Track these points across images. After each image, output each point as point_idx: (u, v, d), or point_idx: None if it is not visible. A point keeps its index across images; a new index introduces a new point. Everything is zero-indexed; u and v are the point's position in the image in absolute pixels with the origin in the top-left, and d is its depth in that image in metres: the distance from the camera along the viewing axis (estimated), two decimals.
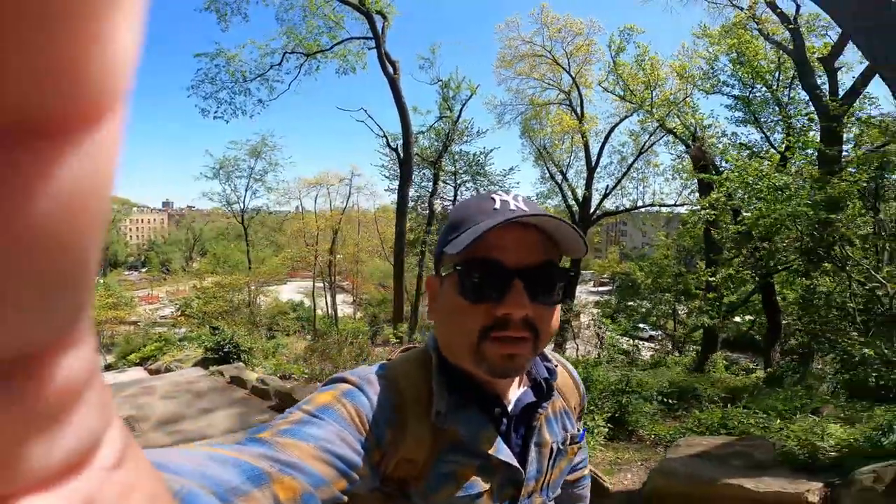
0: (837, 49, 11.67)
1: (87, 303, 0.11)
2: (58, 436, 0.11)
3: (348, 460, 0.52)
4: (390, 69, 11.48)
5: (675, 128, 16.31)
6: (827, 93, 11.74)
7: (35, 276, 0.10)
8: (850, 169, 6.96)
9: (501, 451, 0.64)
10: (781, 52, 13.94)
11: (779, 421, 4.08)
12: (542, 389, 0.71)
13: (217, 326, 9.21)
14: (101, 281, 30.88)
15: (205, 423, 4.88)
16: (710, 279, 10.02)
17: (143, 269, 51.17)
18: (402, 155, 12.19)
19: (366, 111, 13.66)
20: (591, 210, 20.07)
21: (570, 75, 19.95)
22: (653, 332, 19.19)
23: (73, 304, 0.11)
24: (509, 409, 0.68)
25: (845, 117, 10.07)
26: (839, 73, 13.05)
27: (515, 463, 0.65)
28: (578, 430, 0.79)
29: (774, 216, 6.33)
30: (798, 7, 12.88)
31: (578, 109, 20.29)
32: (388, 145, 13.95)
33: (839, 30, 11.22)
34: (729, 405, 5.29)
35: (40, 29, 0.08)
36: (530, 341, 0.60)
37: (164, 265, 47.95)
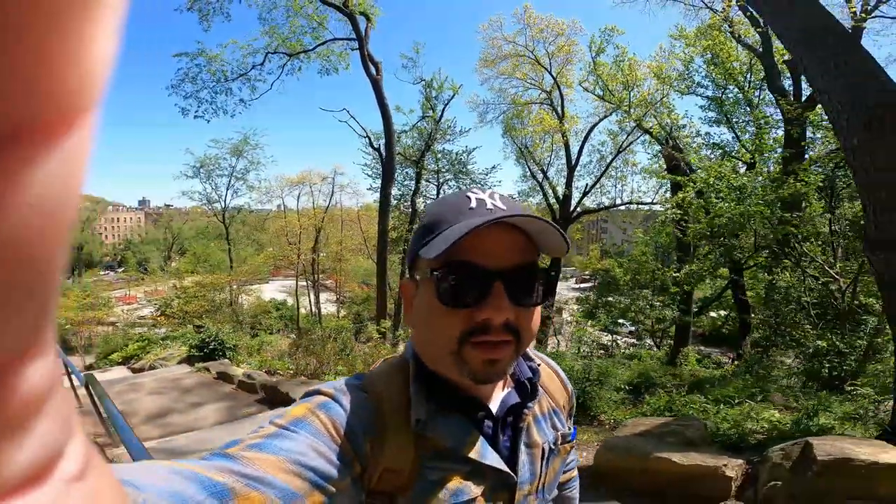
0: (769, 63, 12.30)
1: (51, 313, 0.11)
2: (19, 447, 0.11)
3: (323, 473, 0.50)
4: (373, 70, 11.69)
5: (651, 128, 16.88)
6: (791, 95, 12.39)
7: (1, 285, 0.10)
8: (805, 169, 7.48)
9: (487, 456, 0.62)
10: (753, 54, 14.53)
11: (721, 406, 4.51)
12: (527, 390, 0.69)
13: (201, 325, 9.33)
14: (77, 282, 30.25)
15: (193, 417, 5.08)
16: (674, 275, 10.55)
17: (120, 270, 50.12)
18: (384, 154, 12.40)
19: (348, 111, 13.84)
20: (571, 208, 20.58)
21: (552, 75, 20.36)
22: (633, 328, 19.83)
23: (38, 314, 0.11)
24: (494, 411, 0.66)
25: (809, 120, 10.68)
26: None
27: (504, 467, 0.63)
28: (569, 429, 0.78)
29: (728, 215, 6.79)
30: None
31: (559, 109, 20.71)
32: (371, 145, 14.15)
33: None
34: (685, 393, 5.74)
35: (14, 37, 0.09)
36: (512, 344, 0.58)
37: (142, 265, 47.07)
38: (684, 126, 16.97)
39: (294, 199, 26.09)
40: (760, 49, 13.75)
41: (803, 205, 7.35)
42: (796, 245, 7.19)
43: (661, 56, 17.84)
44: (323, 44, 13.24)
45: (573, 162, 20.52)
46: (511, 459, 0.65)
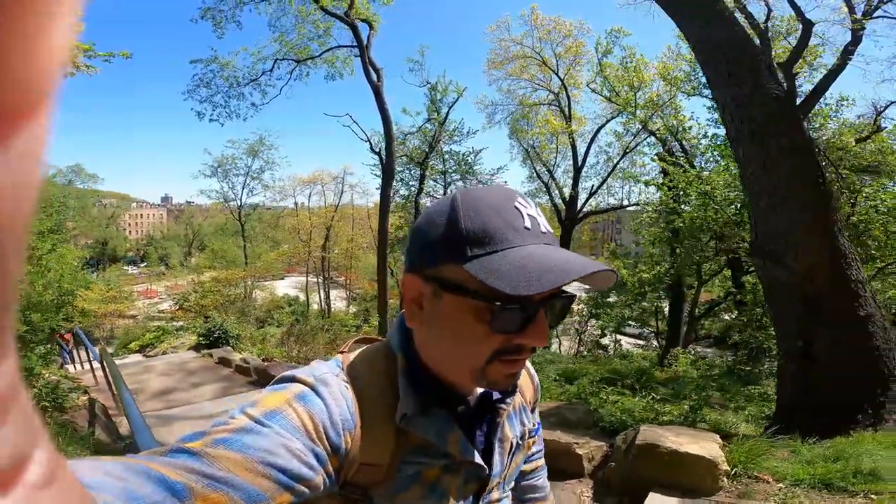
0: (795, 55, 12.51)
1: (9, 316, 0.11)
2: None
3: (294, 473, 0.48)
4: (374, 77, 12.35)
5: (657, 129, 17.09)
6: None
7: None
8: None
9: (467, 451, 0.64)
10: None
11: (620, 397, 5.02)
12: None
13: (209, 316, 10.19)
14: (101, 276, 31.93)
15: (192, 394, 5.84)
16: (642, 276, 10.92)
17: (143, 265, 52.35)
18: (384, 158, 13.08)
19: (351, 117, 14.51)
20: (578, 209, 20.89)
21: (559, 77, 20.65)
22: (641, 330, 20.02)
23: None
24: (472, 406, 0.67)
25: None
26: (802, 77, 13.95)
27: (481, 461, 0.65)
28: (534, 424, 0.80)
29: (688, 217, 7.21)
30: (769, 11, 13.65)
31: (567, 110, 20.98)
32: (372, 149, 14.85)
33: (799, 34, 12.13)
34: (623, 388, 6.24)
35: None
36: (528, 357, 0.60)
37: (163, 260, 49.09)
38: (690, 127, 17.12)
39: (307, 198, 27.11)
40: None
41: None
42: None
43: (668, 57, 18.01)
44: (328, 50, 14.00)
45: (580, 163, 20.80)
46: (486, 453, 0.67)
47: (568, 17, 20.63)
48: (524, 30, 20.84)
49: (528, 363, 0.77)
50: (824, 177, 3.99)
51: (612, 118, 20.61)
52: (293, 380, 0.57)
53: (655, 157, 13.98)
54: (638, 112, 17.06)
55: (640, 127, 17.60)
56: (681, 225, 7.31)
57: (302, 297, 26.64)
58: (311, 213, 26.02)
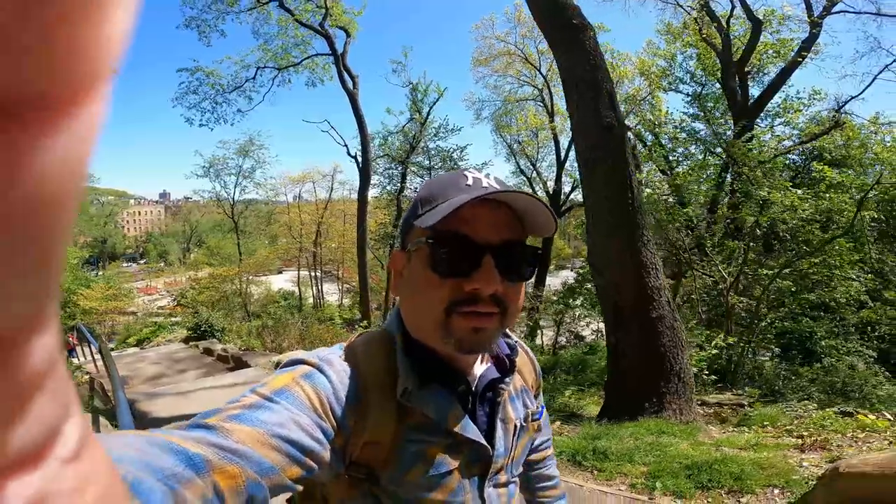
0: (746, 54, 13.31)
1: (54, 289, 0.11)
2: (17, 426, 0.11)
3: (303, 446, 0.51)
4: (349, 84, 13.34)
5: (638, 123, 17.85)
6: (740, 95, 13.46)
7: (6, 258, 0.10)
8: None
9: (469, 429, 0.66)
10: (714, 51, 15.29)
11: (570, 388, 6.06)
12: (505, 365, 0.73)
13: (197, 311, 11.35)
14: (101, 274, 33.29)
15: (177, 379, 6.98)
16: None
17: (142, 261, 53.81)
18: (360, 163, 14.11)
19: (329, 122, 15.52)
20: (561, 202, 21.81)
21: (541, 73, 21.41)
22: None
23: (42, 290, 0.11)
24: (473, 385, 0.69)
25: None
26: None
27: (483, 440, 0.67)
28: (537, 408, 0.82)
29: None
30: (732, 9, 14.34)
31: (549, 106, 21.74)
32: (349, 153, 15.86)
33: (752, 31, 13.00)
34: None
35: (36, 6, 0.09)
36: (497, 316, 0.61)
37: (162, 257, 50.49)
38: (668, 122, 17.84)
39: (299, 195, 28.22)
40: (721, 48, 14.66)
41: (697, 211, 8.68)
42: (707, 250, 8.56)
43: (649, 52, 18.71)
44: (307, 58, 14.99)
45: (563, 157, 21.67)
46: (488, 433, 0.69)
47: None
48: (508, 27, 21.57)
49: (528, 349, 0.84)
50: (635, 199, 4.79)
51: None
52: (300, 362, 0.61)
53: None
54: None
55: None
56: None
57: (302, 292, 27.88)
58: (300, 209, 27.15)
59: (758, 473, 2.98)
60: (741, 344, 6.72)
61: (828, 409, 4.24)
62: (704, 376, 7.36)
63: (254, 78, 15.05)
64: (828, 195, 7.45)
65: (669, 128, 17.65)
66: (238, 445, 0.46)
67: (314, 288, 26.82)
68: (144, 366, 7.84)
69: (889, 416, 3.72)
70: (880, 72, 14.65)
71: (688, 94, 18.68)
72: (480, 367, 0.72)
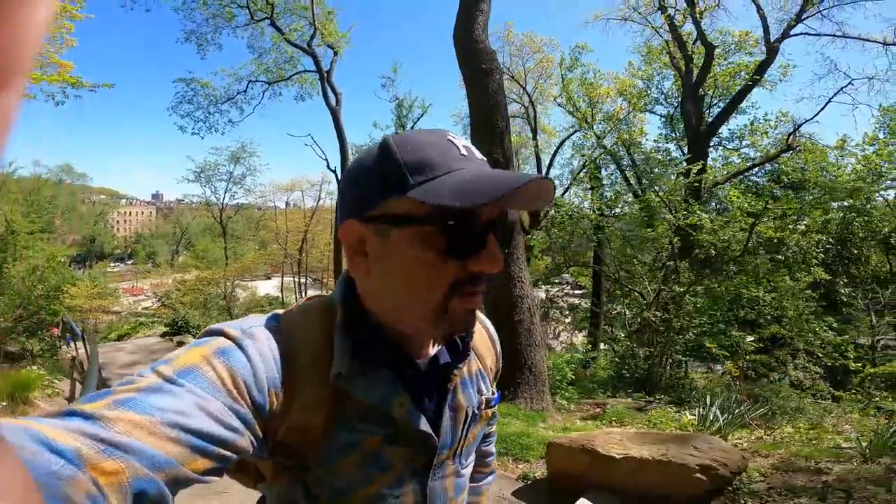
0: (700, 78, 14.24)
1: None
2: None
3: (210, 435, 0.45)
4: (332, 101, 14.37)
5: (614, 143, 18.79)
6: (694, 119, 14.47)
7: None
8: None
9: (413, 417, 0.61)
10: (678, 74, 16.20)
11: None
12: (458, 348, 0.69)
13: (176, 309, 12.22)
14: (87, 272, 33.93)
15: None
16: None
17: (130, 262, 54.41)
18: (339, 176, 15.13)
19: (312, 137, 16.48)
20: (540, 219, 22.78)
21: (527, 92, 22.46)
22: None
23: None
24: (422, 369, 0.65)
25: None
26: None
27: (429, 430, 0.63)
28: (493, 394, 0.76)
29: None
30: (699, 34, 15.17)
31: (532, 123, 22.71)
32: (328, 167, 16.86)
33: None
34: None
35: None
36: (481, 294, 0.58)
37: (151, 258, 51.13)
38: (642, 143, 18.77)
39: (289, 202, 29.23)
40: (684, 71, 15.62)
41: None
42: (636, 273, 9.56)
43: (629, 72, 19.57)
44: (297, 74, 16.08)
45: (545, 174, 22.64)
46: (435, 422, 0.65)
47: (540, 33, 22.29)
48: (497, 45, 22.71)
49: (490, 326, 0.82)
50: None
51: (575, 132, 22.11)
52: (218, 333, 0.55)
53: (586, 176, 15.85)
54: (595, 126, 18.78)
55: (595, 141, 19.11)
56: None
57: (286, 296, 28.68)
58: (287, 216, 28.15)
59: (539, 447, 3.90)
60: (654, 354, 7.62)
61: (669, 409, 5.18)
62: (620, 379, 8.14)
63: (245, 91, 16.12)
64: (729, 220, 8.43)
65: (645, 148, 18.65)
66: (121, 437, 0.40)
67: (297, 294, 27.66)
68: (121, 355, 8.70)
69: (692, 416, 4.53)
70: (835, 94, 15.09)
71: (661, 116, 19.72)
72: (431, 350, 0.67)
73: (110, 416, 0.41)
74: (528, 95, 21.95)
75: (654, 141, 18.74)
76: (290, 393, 0.56)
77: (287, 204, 30.11)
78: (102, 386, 5.34)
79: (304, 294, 27.66)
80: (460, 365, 0.68)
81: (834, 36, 14.59)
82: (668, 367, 7.80)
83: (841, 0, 13.94)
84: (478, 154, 0.60)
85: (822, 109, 15.11)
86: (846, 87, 14.88)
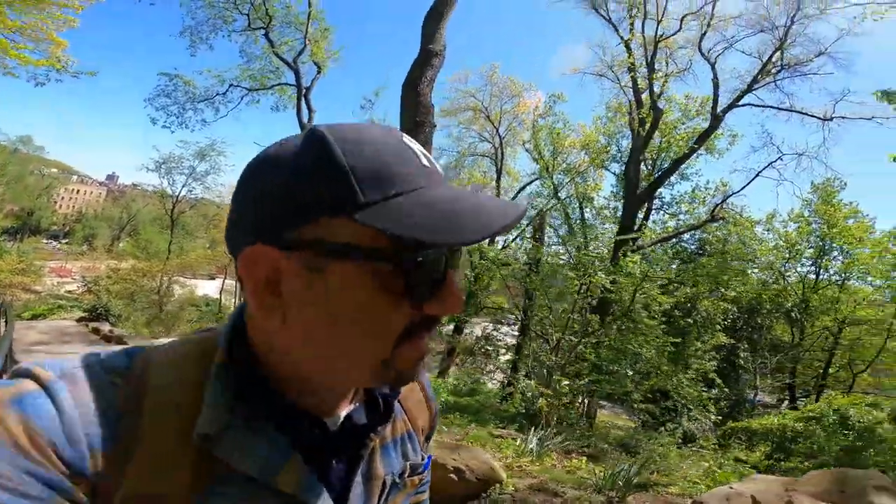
0: (644, 142, 15.02)
1: None
2: None
3: None
4: (305, 117, 14.94)
5: (570, 194, 19.71)
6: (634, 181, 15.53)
7: None
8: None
9: (308, 490, 0.48)
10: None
11: None
12: (379, 408, 0.57)
13: (99, 295, 12.14)
14: (17, 246, 32.22)
15: (58, 348, 7.87)
16: None
17: (65, 241, 51.79)
18: None
19: None
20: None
21: (499, 133, 23.23)
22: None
23: None
24: (331, 430, 0.53)
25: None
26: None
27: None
28: (423, 458, 0.64)
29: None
30: (650, 98, 15.24)
31: (498, 164, 23.48)
32: None
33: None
34: None
35: None
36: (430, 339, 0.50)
37: (88, 240, 48.91)
38: (595, 199, 19.82)
39: None
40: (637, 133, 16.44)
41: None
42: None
43: (595, 127, 19.44)
44: (278, 84, 16.72)
45: None
46: (342, 495, 0.53)
47: (523, 78, 22.54)
48: (480, 83, 23.47)
49: (426, 380, 0.70)
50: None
51: (535, 179, 21.70)
52: (26, 374, 0.43)
53: (534, 223, 16.74)
54: (555, 177, 19.62)
55: (551, 192, 18.97)
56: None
57: (225, 299, 28.11)
58: None
59: None
60: (548, 394, 8.45)
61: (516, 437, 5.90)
62: (525, 415, 8.70)
63: (225, 93, 16.59)
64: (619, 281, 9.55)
65: (597, 204, 19.75)
66: None
67: (236, 299, 27.26)
68: (32, 333, 8.60)
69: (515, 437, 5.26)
70: (763, 168, 15.20)
71: (615, 174, 20.86)
72: (347, 407, 0.54)
73: None
74: (500, 137, 22.51)
75: (605, 198, 19.99)
76: (125, 452, 0.43)
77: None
78: (11, 363, 5.48)
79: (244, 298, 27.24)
80: (380, 428, 0.55)
81: (778, 108, 14.90)
82: (560, 408, 8.61)
83: (793, 72, 14.44)
84: (438, 167, 0.49)
85: (749, 182, 15.64)
86: (775, 161, 15.16)
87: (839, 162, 28.03)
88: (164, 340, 0.62)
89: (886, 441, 7.27)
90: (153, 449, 0.44)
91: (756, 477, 4.04)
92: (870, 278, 15.82)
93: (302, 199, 0.43)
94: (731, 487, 3.45)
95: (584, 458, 5.32)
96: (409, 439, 0.64)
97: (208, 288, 31.39)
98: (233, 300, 27.55)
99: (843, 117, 14.04)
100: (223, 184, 27.70)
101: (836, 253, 16.29)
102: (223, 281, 27.28)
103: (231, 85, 16.78)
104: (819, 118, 14.35)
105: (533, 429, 5.51)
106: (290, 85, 16.53)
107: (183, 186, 26.16)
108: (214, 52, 16.60)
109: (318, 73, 16.20)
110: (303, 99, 15.29)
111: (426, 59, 6.91)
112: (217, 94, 16.83)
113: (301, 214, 0.43)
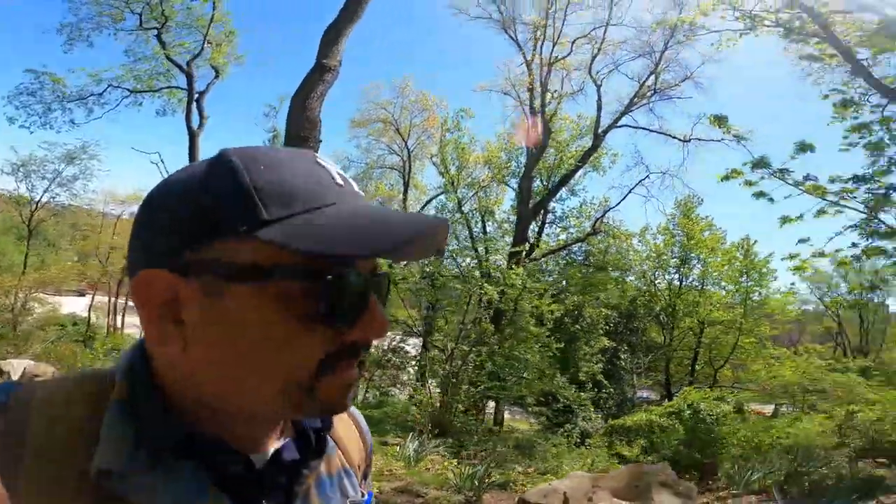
0: (534, 162, 16.30)
1: None
2: None
3: None
4: (195, 124, 14.05)
5: (473, 208, 20.39)
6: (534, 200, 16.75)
7: None
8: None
9: None
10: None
11: None
12: (311, 443, 0.53)
13: None
14: None
15: None
16: None
17: None
18: None
19: (160, 155, 15.14)
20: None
21: (407, 147, 23.24)
22: None
23: None
24: (259, 465, 0.49)
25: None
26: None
27: None
28: (363, 496, 0.61)
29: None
30: (542, 117, 16.12)
31: (406, 177, 23.59)
32: None
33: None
34: None
35: None
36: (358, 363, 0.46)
37: None
38: (494, 212, 20.59)
39: (122, 215, 26.34)
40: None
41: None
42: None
43: (498, 144, 20.10)
44: (168, 88, 15.53)
45: None
46: None
47: (436, 92, 22.45)
48: (391, 96, 22.50)
49: (359, 416, 0.67)
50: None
51: (440, 193, 21.68)
52: None
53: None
54: (460, 191, 20.24)
55: (455, 205, 19.38)
56: None
57: (95, 317, 25.06)
58: (115, 229, 25.32)
59: None
60: (446, 399, 8.99)
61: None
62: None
63: (101, 94, 15.05)
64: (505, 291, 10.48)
65: (498, 217, 20.74)
66: None
67: (110, 316, 24.51)
68: None
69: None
70: (635, 185, 16.76)
71: (514, 189, 22.07)
72: (274, 443, 0.51)
73: None
74: (408, 150, 22.60)
75: (505, 212, 21.15)
76: (14, 492, 0.40)
77: (119, 217, 26.92)
78: None
79: (116, 317, 24.61)
80: (313, 463, 0.52)
81: (648, 130, 16.57)
82: (455, 413, 9.11)
83: (663, 95, 15.98)
84: (356, 186, 0.47)
85: (623, 199, 17.12)
86: (644, 179, 16.80)
87: (699, 180, 31.35)
88: (13, 361, 0.54)
89: (725, 434, 8.02)
90: (38, 486, 0.40)
91: (572, 474, 4.54)
92: (723, 283, 18.46)
93: (202, 219, 0.41)
94: (549, 484, 3.93)
95: (455, 461, 5.68)
96: (345, 475, 0.59)
97: (77, 305, 27.83)
98: (105, 319, 24.69)
99: (699, 139, 15.91)
100: (95, 190, 24.74)
101: (695, 261, 18.59)
102: (93, 297, 24.32)
103: (110, 85, 15.37)
104: (680, 139, 16.01)
105: (410, 435, 5.82)
106: (182, 89, 15.46)
107: (45, 192, 22.95)
108: (93, 50, 15.01)
109: (216, 77, 15.38)
110: (194, 104, 14.40)
111: (319, 74, 6.86)
112: (91, 95, 15.31)
113: (201, 235, 0.41)
